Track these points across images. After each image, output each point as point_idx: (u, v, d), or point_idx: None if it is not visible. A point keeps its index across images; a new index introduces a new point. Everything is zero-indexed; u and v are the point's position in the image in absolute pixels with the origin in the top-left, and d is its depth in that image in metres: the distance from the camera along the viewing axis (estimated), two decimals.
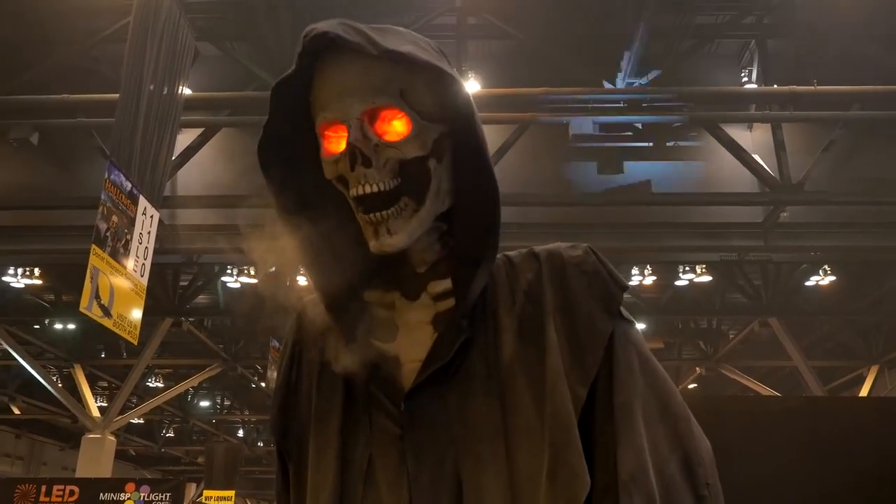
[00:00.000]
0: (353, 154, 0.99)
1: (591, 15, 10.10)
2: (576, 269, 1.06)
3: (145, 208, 7.26)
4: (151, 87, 7.33)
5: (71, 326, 16.88)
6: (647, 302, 14.72)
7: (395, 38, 1.02)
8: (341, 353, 1.08)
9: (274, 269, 1.10)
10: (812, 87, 9.47)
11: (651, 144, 10.73)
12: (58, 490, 11.53)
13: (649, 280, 12.29)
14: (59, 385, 17.24)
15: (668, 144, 10.74)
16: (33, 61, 9.94)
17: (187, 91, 8.56)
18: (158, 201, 7.66)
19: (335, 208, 1.09)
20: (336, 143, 1.03)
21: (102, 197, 6.59)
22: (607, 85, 9.85)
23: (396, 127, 1.01)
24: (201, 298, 14.63)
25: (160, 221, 7.77)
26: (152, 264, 7.47)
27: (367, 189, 1.00)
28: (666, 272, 12.75)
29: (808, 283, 13.19)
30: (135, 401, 19.92)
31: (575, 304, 1.04)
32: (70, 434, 23.94)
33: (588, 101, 9.66)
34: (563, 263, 1.07)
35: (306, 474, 1.08)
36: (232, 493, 19.17)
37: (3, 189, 10.45)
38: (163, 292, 13.70)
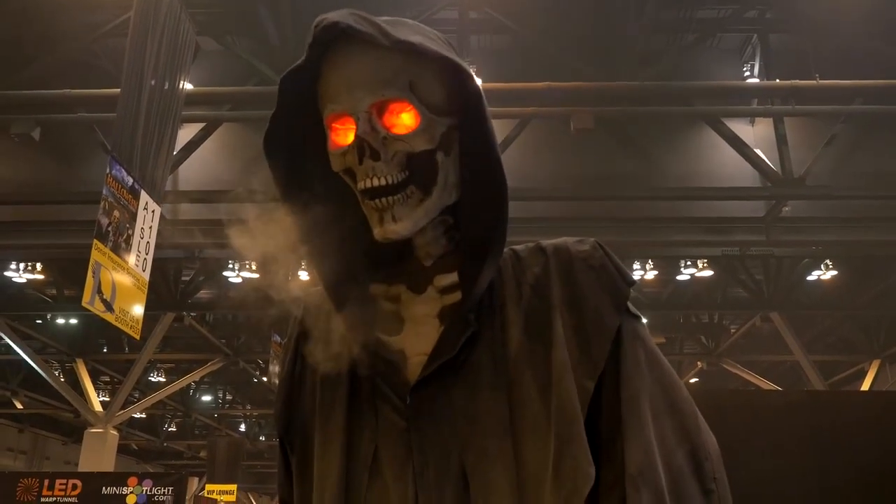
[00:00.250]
0: (362, 147, 0.99)
1: (592, 9, 10.08)
2: (583, 263, 1.06)
3: (147, 203, 7.27)
4: (152, 82, 7.32)
5: (73, 321, 16.93)
6: (649, 297, 14.72)
7: (405, 30, 1.01)
8: (346, 346, 1.07)
9: (277, 262, 1.10)
10: (814, 82, 9.45)
11: (653, 137, 10.71)
12: (60, 484, 11.55)
13: (651, 275, 12.30)
14: (62, 380, 17.25)
15: (670, 137, 10.73)
16: (34, 56, 9.94)
17: (188, 86, 8.55)
18: (160, 196, 7.67)
19: (341, 201, 1.09)
20: (344, 135, 1.03)
21: (104, 192, 6.60)
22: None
23: (405, 120, 1.01)
24: (203, 293, 14.65)
25: (161, 216, 7.78)
26: (154, 259, 7.48)
27: (376, 182, 1.00)
28: (667, 267, 12.76)
29: (809, 278, 13.19)
30: (137, 395, 19.96)
31: (582, 299, 1.03)
32: (72, 428, 24.00)
33: (590, 95, 9.65)
34: (570, 258, 1.06)
35: (311, 467, 1.08)
36: (234, 486, 19.25)
37: (5, 184, 10.45)
38: (164, 287, 13.71)
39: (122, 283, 6.81)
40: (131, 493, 11.50)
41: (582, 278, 1.05)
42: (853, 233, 10.37)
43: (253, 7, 9.57)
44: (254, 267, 10.56)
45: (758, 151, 9.95)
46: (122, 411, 16.01)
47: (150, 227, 7.37)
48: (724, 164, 10.42)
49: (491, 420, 0.99)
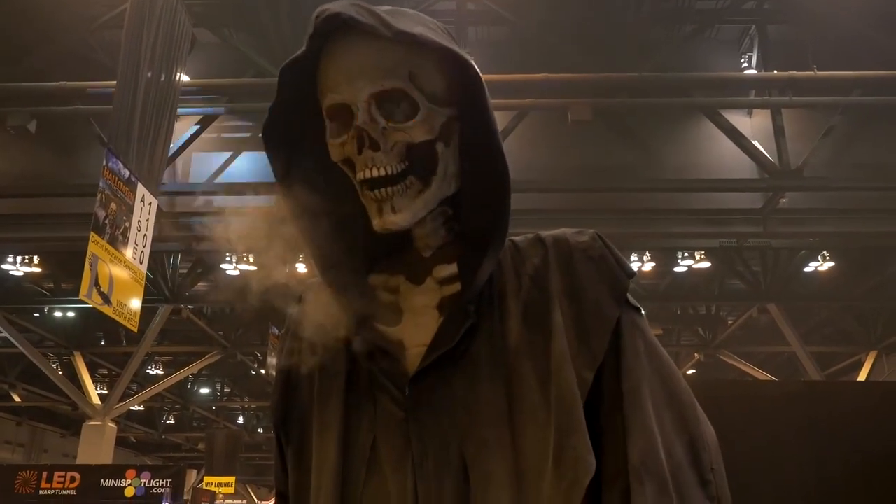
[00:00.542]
0: (361, 137, 0.99)
1: (590, 0, 10.06)
2: (583, 254, 1.06)
3: (143, 196, 7.26)
4: (149, 75, 7.30)
5: (70, 314, 16.90)
6: (647, 288, 14.74)
7: (406, 20, 1.01)
8: (345, 336, 1.07)
9: (275, 254, 1.10)
10: (812, 73, 9.45)
11: (650, 129, 10.71)
12: (59, 477, 11.56)
13: (648, 266, 12.31)
14: (60, 373, 17.28)
15: (668, 128, 10.73)
16: (31, 49, 9.91)
17: (185, 78, 8.53)
18: (156, 188, 7.65)
19: (340, 191, 1.08)
20: (343, 125, 1.02)
21: (101, 184, 6.59)
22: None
23: (405, 110, 1.00)
24: (201, 286, 14.64)
25: (158, 208, 7.76)
26: (151, 251, 7.47)
27: (375, 172, 1.00)
28: (665, 258, 12.77)
29: (806, 270, 13.21)
30: (135, 388, 19.96)
31: (581, 290, 1.03)
32: (71, 421, 24.03)
33: (587, 87, 9.64)
34: (569, 249, 1.06)
35: (308, 457, 1.08)
36: (232, 478, 19.29)
37: (1, 177, 10.43)
38: (162, 280, 13.71)
39: (120, 276, 6.80)
40: (130, 485, 11.51)
41: (581, 269, 1.05)
42: (850, 224, 10.38)
43: None
44: (251, 259, 10.54)
45: (755, 143, 9.96)
46: (120, 404, 16.03)
47: (147, 220, 7.36)
48: (722, 156, 10.42)
49: (490, 411, 0.99)
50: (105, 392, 18.73)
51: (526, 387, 1.00)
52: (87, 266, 6.29)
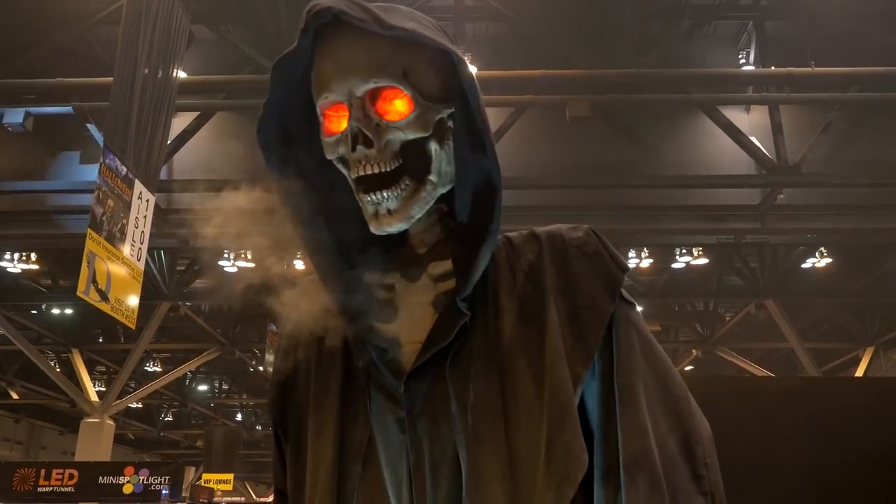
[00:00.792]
0: (355, 134, 0.99)
1: None
2: (577, 250, 1.06)
3: (141, 192, 7.24)
4: (146, 71, 7.29)
5: (68, 311, 16.89)
6: (644, 284, 14.74)
7: (399, 16, 1.01)
8: (340, 334, 1.08)
9: (272, 251, 1.10)
10: (809, 69, 9.45)
11: (648, 125, 10.71)
12: (57, 474, 11.57)
13: (646, 262, 12.31)
14: (58, 370, 17.25)
15: (665, 125, 10.72)
16: (27, 46, 9.89)
17: (182, 74, 8.51)
18: (154, 185, 7.64)
19: (335, 188, 1.08)
20: (337, 122, 1.02)
21: (98, 181, 6.58)
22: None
23: (398, 107, 1.00)
24: (199, 283, 14.63)
25: (156, 205, 7.75)
26: (149, 248, 7.46)
27: (368, 170, 1.00)
28: (663, 255, 12.77)
29: (804, 266, 13.22)
30: (133, 385, 19.96)
31: (576, 285, 1.04)
32: (69, 418, 24.01)
33: (585, 83, 9.64)
34: (564, 244, 1.07)
35: (305, 455, 1.08)
36: (231, 475, 19.33)
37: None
38: (160, 276, 13.69)
39: (117, 273, 6.80)
40: (128, 482, 11.51)
41: (576, 265, 1.05)
42: (848, 220, 10.39)
43: None
44: (249, 256, 10.54)
45: (753, 139, 9.96)
46: (118, 401, 16.03)
47: (145, 217, 7.35)
48: (720, 152, 10.43)
49: (485, 407, 0.99)
50: (103, 389, 18.71)
51: (520, 383, 1.00)
52: (84, 263, 6.28)
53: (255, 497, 30.09)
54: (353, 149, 0.99)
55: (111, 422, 15.81)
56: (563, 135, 10.34)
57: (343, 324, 1.07)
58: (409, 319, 1.06)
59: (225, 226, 1.09)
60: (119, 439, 22.86)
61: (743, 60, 11.32)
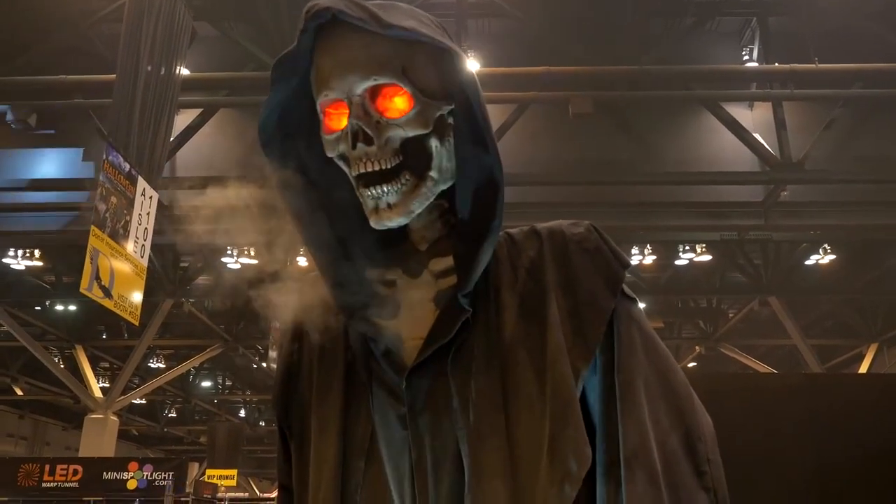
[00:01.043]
0: (355, 132, 0.99)
1: None
2: (578, 246, 1.06)
3: (144, 189, 7.25)
4: (149, 68, 7.29)
5: (72, 308, 16.92)
6: (647, 281, 14.74)
7: (398, 14, 1.01)
8: (343, 330, 1.08)
9: (274, 248, 1.10)
10: (813, 66, 9.43)
11: (651, 122, 10.69)
12: (61, 469, 11.63)
13: (649, 259, 12.30)
14: (62, 366, 17.29)
15: (668, 121, 10.71)
16: (31, 43, 9.89)
17: (185, 71, 8.51)
18: (157, 182, 7.65)
19: (336, 185, 1.09)
20: (337, 120, 1.03)
21: (101, 178, 6.59)
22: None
23: (398, 104, 1.00)
24: (202, 279, 14.64)
25: (159, 202, 7.76)
26: (152, 245, 7.47)
27: (369, 167, 1.00)
28: (666, 251, 12.76)
29: (807, 262, 13.19)
30: (136, 381, 19.99)
31: (577, 282, 1.04)
32: (73, 414, 24.06)
33: (588, 80, 9.62)
34: (565, 241, 1.07)
35: (308, 451, 1.09)
36: (234, 471, 19.34)
37: (4, 170, 10.42)
38: (163, 273, 13.71)
39: (121, 270, 6.81)
40: (132, 478, 11.57)
41: (577, 261, 1.05)
42: (852, 217, 10.37)
43: None
44: (252, 253, 10.55)
45: (756, 136, 9.94)
46: (122, 397, 16.06)
47: (148, 214, 7.36)
48: (723, 149, 10.41)
49: (486, 403, 0.99)
50: (107, 385, 18.76)
51: (522, 379, 1.00)
52: (87, 259, 6.29)
53: (258, 493, 30.17)
54: (354, 146, 1.00)
55: (115, 418, 15.85)
56: (565, 132, 10.33)
57: (344, 320, 1.07)
58: (411, 316, 1.06)
59: (227, 222, 1.09)
60: (123, 435, 22.89)
61: (746, 57, 11.29)
